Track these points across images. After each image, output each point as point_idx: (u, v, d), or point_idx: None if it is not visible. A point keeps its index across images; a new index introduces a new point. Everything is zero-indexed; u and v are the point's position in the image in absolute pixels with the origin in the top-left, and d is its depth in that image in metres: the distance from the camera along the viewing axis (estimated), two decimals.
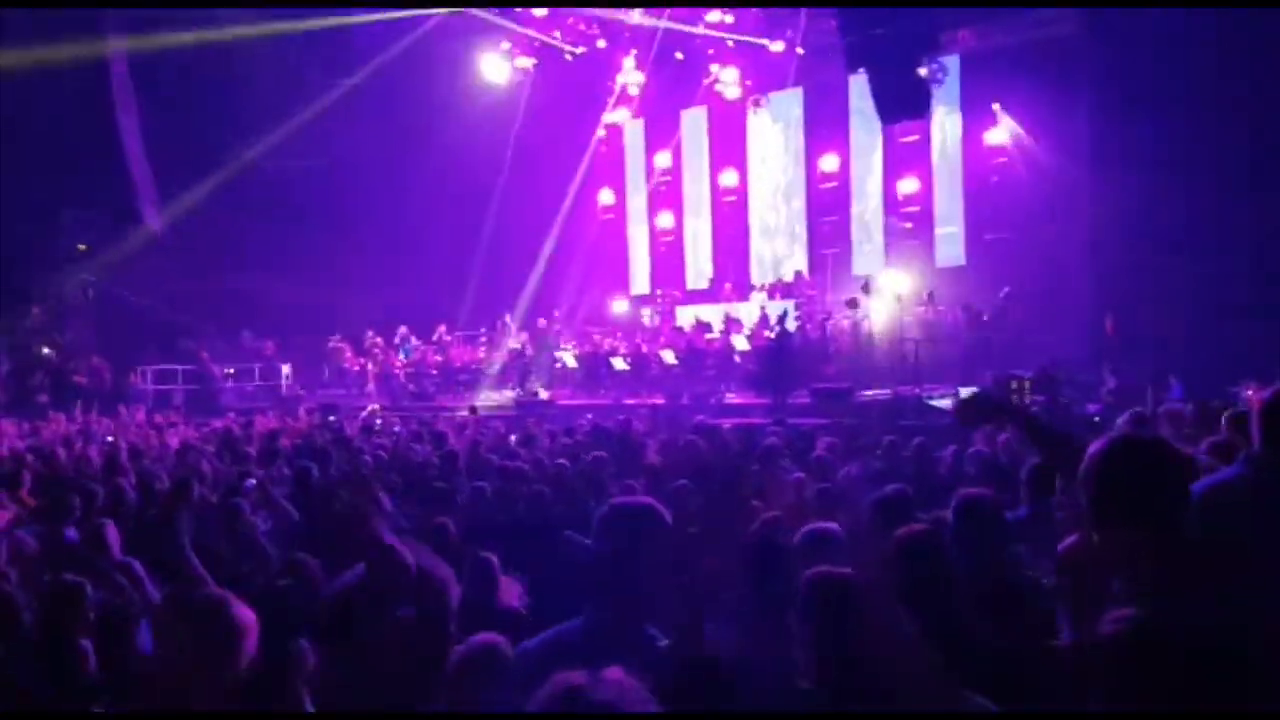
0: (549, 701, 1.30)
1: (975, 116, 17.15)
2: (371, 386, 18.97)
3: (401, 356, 19.04)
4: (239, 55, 17.40)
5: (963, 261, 17.38)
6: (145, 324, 19.18)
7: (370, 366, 19.20)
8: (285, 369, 20.47)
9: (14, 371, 19.12)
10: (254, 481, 7.55)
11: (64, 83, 16.76)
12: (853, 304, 15.69)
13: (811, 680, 2.16)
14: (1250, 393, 10.85)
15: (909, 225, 17.57)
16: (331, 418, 14.62)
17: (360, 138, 18.91)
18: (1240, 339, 12.41)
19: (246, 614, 2.49)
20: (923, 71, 11.60)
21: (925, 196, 17.96)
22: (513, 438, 10.49)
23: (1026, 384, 11.84)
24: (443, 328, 19.49)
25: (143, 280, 18.83)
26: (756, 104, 19.84)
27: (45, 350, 19.30)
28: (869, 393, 13.70)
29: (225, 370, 19.93)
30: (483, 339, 19.50)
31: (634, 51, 19.89)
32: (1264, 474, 2.68)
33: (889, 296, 15.76)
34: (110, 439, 11.66)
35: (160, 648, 3.54)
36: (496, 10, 18.88)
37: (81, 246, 19.72)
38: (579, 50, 19.96)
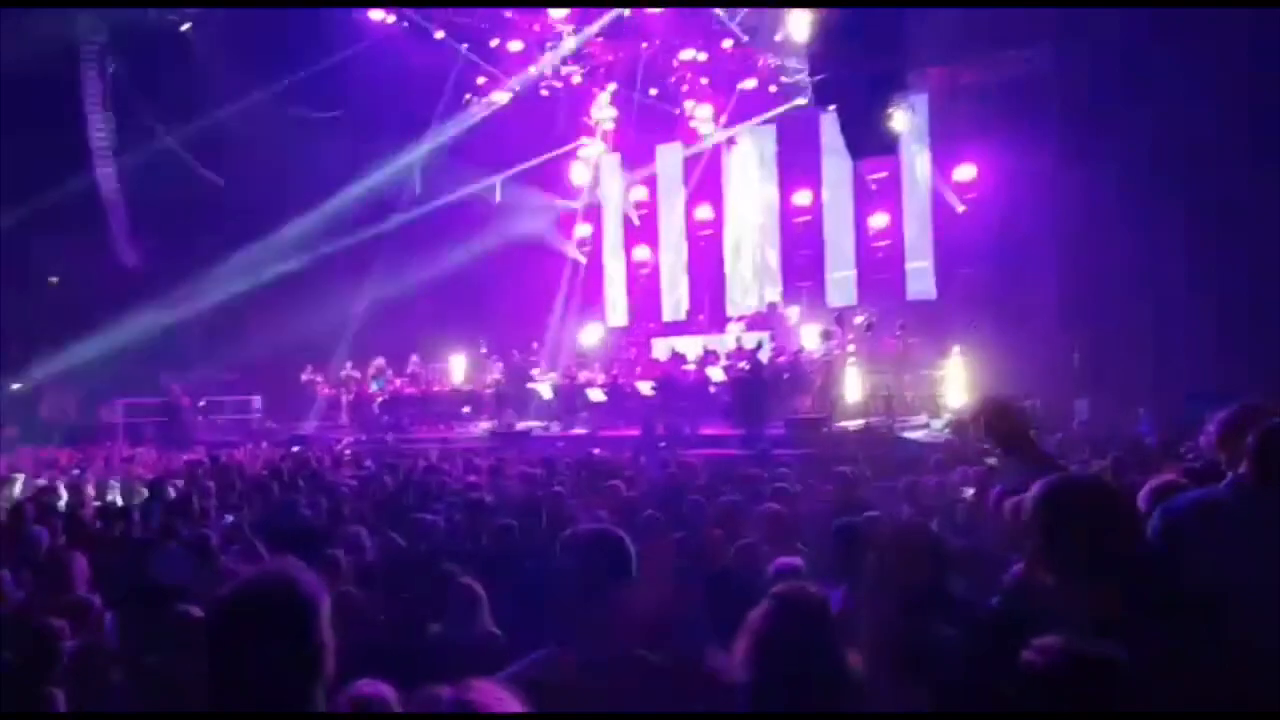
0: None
1: (944, 153, 17.45)
2: (346, 418, 18.87)
3: (374, 387, 18.93)
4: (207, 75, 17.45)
5: (933, 295, 17.60)
6: (115, 356, 19.00)
7: (345, 398, 19.10)
8: (256, 401, 20.36)
9: None
10: (231, 519, 7.55)
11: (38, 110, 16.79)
12: (826, 336, 15.82)
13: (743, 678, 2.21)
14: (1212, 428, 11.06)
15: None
16: (296, 449, 14.57)
17: (335, 166, 18.92)
18: (1210, 373, 12.61)
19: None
20: (892, 111, 11.80)
21: (895, 231, 18.22)
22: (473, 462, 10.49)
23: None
24: (415, 358, 19.44)
25: (112, 310, 18.69)
26: (730, 140, 20.10)
27: (16, 386, 19.08)
28: (842, 424, 13.80)
29: (198, 403, 19.79)
30: (458, 370, 19.47)
31: (610, 87, 20.12)
32: (1248, 503, 2.75)
33: (861, 329, 15.92)
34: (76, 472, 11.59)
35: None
36: (472, 46, 19.06)
37: (52, 280, 19.59)
38: (557, 85, 20.17)
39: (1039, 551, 2.20)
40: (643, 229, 21.58)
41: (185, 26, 17.30)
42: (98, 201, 18.46)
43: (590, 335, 20.90)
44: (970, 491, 6.97)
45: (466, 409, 18.53)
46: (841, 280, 18.94)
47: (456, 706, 1.31)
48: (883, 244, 18.32)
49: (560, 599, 2.39)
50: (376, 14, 18.01)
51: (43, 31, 15.38)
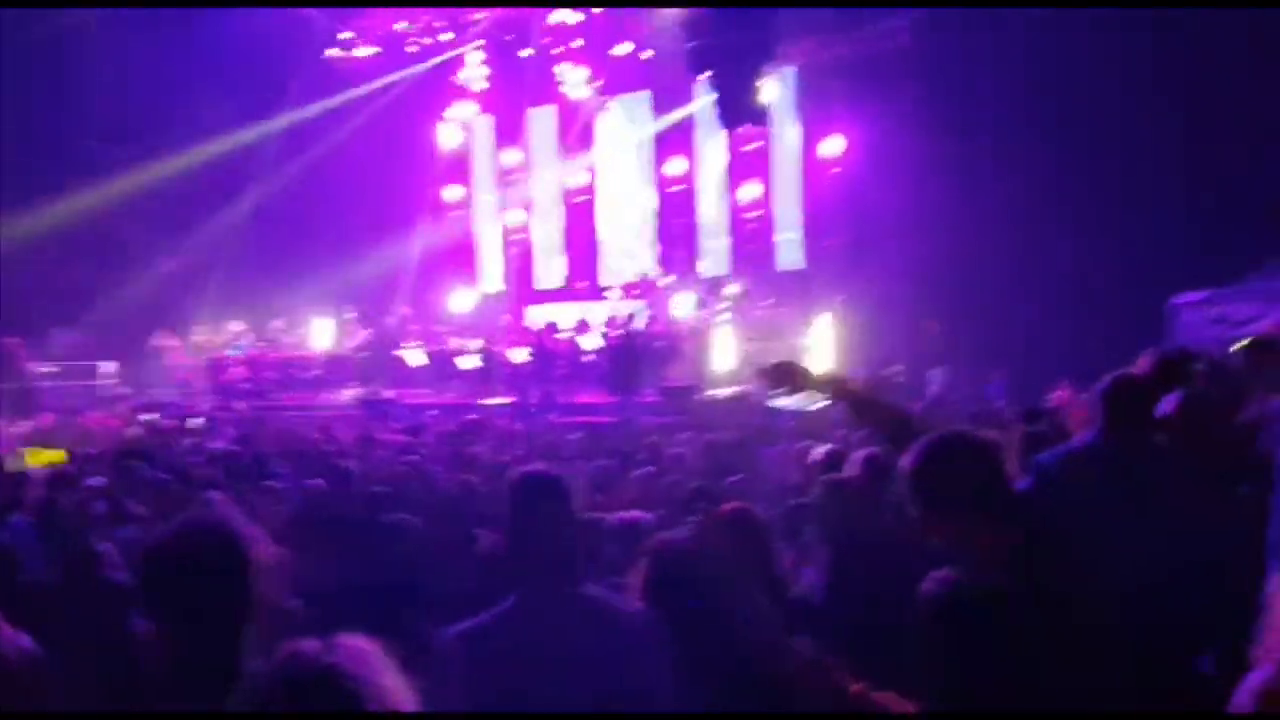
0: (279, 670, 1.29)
1: (812, 126, 17.76)
2: (202, 385, 18.06)
3: (232, 353, 18.17)
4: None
5: (803, 265, 18.00)
6: None
7: (201, 364, 18.27)
8: (108, 367, 19.22)
9: None
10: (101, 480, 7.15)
11: None
12: (699, 304, 16.02)
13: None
14: (1058, 394, 11.70)
15: None
16: (144, 417, 13.91)
17: (196, 121, 17.95)
18: (1061, 342, 13.27)
19: None
20: (762, 82, 11.96)
21: (767, 201, 18.51)
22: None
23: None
24: (278, 323, 18.74)
25: None
26: (603, 105, 19.97)
27: None
28: (714, 392, 14.01)
29: (41, 369, 18.52)
30: (322, 335, 18.86)
31: (480, 45, 19.70)
32: (1108, 447, 3.07)
33: (733, 297, 16.16)
34: None
35: None
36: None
37: None
38: (425, 41, 19.61)
39: (926, 509, 2.29)
40: (516, 193, 21.29)
41: None
42: None
43: (462, 301, 20.55)
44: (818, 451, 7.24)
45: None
46: (714, 250, 19.15)
47: (320, 670, 1.26)
48: (754, 215, 18.60)
49: (516, 545, 2.44)
50: None
51: None
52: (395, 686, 1.29)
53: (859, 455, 4.05)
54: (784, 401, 12.63)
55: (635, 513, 4.60)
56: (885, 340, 14.87)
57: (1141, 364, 3.84)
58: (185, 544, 1.83)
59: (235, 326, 18.49)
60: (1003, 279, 14.83)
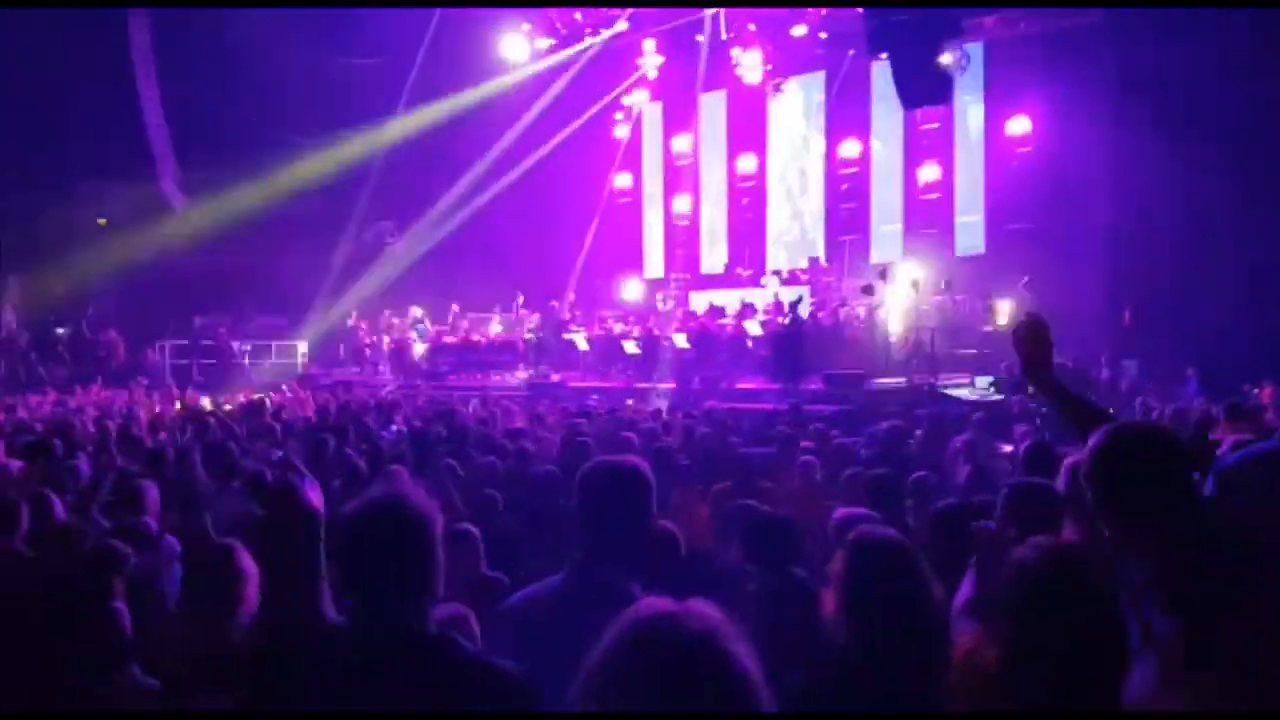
0: (636, 629, 1.23)
1: (998, 104, 16.97)
2: (386, 366, 19.02)
3: (414, 335, 19.05)
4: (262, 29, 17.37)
5: (982, 250, 17.24)
6: (165, 299, 19.25)
7: (386, 345, 19.24)
8: (301, 346, 20.55)
9: (33, 345, 19.27)
10: (280, 454, 7.66)
11: (83, 50, 16.84)
12: (869, 290, 15.58)
13: (845, 640, 2.22)
14: (1265, 391, 10.77)
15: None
16: (339, 394, 14.70)
17: (381, 113, 18.89)
18: (1261, 334, 12.27)
19: (249, 563, 2.82)
20: (946, 58, 11.46)
21: (946, 184, 17.80)
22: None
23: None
24: (456, 307, 19.50)
25: (162, 254, 18.91)
26: (777, 88, 19.67)
27: (60, 330, 19.39)
28: (883, 380, 13.62)
29: (242, 347, 19.99)
30: (496, 320, 19.50)
31: (655, 35, 19.78)
32: None
33: (906, 284, 15.65)
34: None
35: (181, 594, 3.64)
36: None
37: (101, 221, 19.78)
38: (601, 33, 19.86)
39: (1100, 499, 2.12)
40: (684, 179, 21.32)
41: None
42: (145, 143, 18.58)
43: (627, 287, 20.79)
44: (1008, 448, 6.87)
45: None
46: (887, 234, 18.59)
47: (696, 633, 1.24)
48: (932, 197, 17.91)
49: (579, 527, 2.42)
50: None
51: None
52: (749, 653, 1.25)
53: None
54: (962, 391, 12.17)
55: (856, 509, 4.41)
56: (1072, 330, 14.06)
57: None
58: (370, 518, 1.90)
59: (417, 311, 19.36)
60: (1198, 269, 13.80)
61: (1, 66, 16.63)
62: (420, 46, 18.67)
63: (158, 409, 12.31)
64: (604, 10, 19.53)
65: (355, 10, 17.91)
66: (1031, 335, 2.88)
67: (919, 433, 7.66)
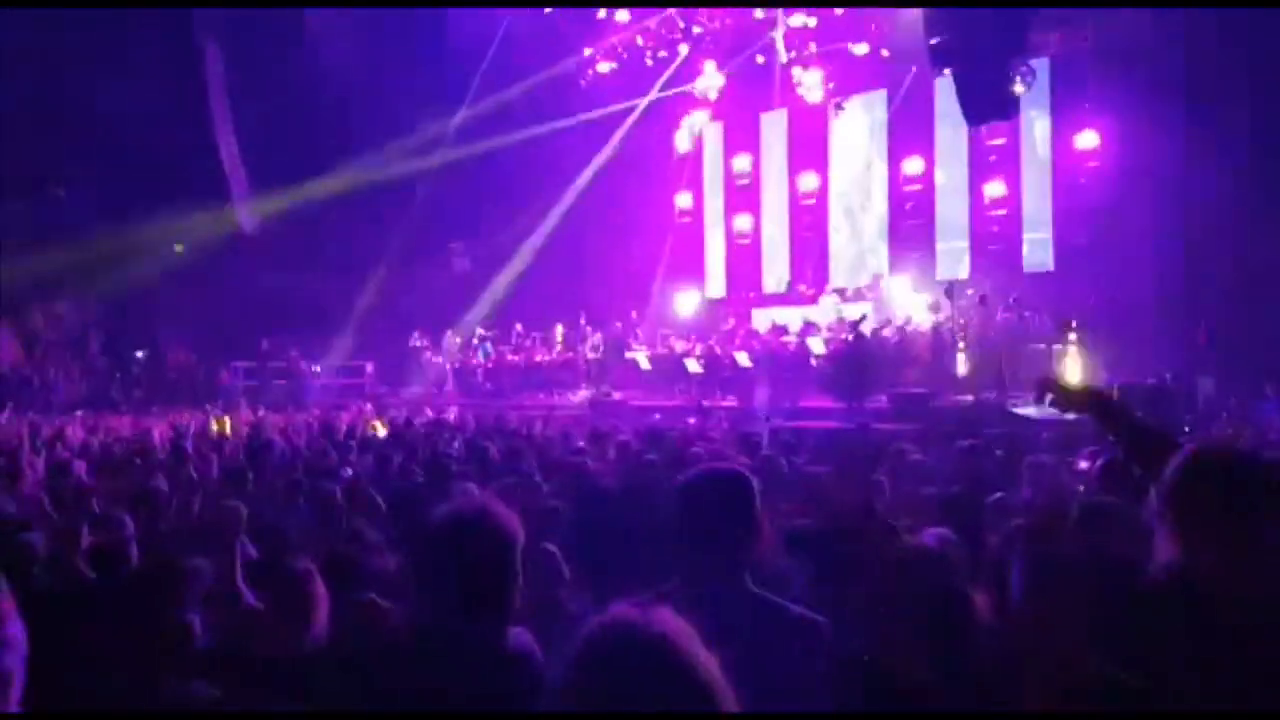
0: (601, 632, 1.29)
1: (1065, 120, 16.70)
2: (450, 385, 19.28)
3: (480, 356, 19.29)
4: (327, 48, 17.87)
5: (1051, 267, 16.93)
6: (238, 321, 19.79)
7: (449, 365, 19.51)
8: (367, 366, 20.95)
9: (111, 368, 19.93)
10: (350, 471, 7.82)
11: (160, 82, 17.46)
12: (934, 308, 15.39)
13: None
14: None
15: None
16: (403, 412, 14.93)
17: (450, 139, 19.28)
18: None
19: (321, 588, 2.90)
20: (1013, 75, 11.30)
21: (1013, 200, 17.54)
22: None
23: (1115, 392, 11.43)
24: (519, 327, 19.70)
25: (235, 278, 19.49)
26: (838, 107, 19.61)
27: (138, 353, 20.02)
28: (949, 398, 13.42)
29: (313, 367, 20.44)
30: (558, 339, 19.67)
31: (715, 56, 19.88)
32: None
33: (972, 301, 15.42)
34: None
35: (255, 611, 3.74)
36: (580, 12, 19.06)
37: (178, 247, 20.43)
38: (661, 54, 20.02)
39: (1181, 520, 2.08)
40: (744, 198, 21.32)
41: None
42: (219, 170, 19.18)
43: (689, 305, 20.81)
44: (1084, 464, 6.69)
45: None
46: (952, 251, 18.35)
47: (653, 637, 1.30)
48: (998, 214, 17.65)
49: (681, 538, 2.39)
50: None
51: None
52: (709, 659, 1.32)
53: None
54: (1030, 410, 11.93)
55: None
56: (1144, 346, 13.73)
57: None
58: (458, 529, 1.96)
59: (481, 330, 19.61)
60: (1274, 284, 13.38)
61: (80, 97, 17.34)
62: (479, 68, 18.98)
63: (229, 429, 12.62)
64: (664, 34, 19.70)
65: (419, 36, 18.31)
66: (1040, 389, 2.91)
67: (999, 452, 7.50)
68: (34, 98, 17.17)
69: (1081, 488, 5.56)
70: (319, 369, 20.58)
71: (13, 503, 6.24)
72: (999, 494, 4.94)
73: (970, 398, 13.26)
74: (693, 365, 16.63)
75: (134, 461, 8.10)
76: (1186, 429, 10.09)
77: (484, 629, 1.91)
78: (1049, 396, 2.90)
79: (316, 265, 19.62)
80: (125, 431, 12.76)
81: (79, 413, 15.66)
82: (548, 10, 18.83)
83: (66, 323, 20.12)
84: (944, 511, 4.32)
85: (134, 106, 17.45)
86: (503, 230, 20.67)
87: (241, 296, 19.52)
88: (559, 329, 19.70)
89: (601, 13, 19.16)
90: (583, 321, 19.38)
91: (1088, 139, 16.37)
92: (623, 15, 19.20)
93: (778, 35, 18.63)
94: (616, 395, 16.63)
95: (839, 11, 17.90)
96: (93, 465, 8.40)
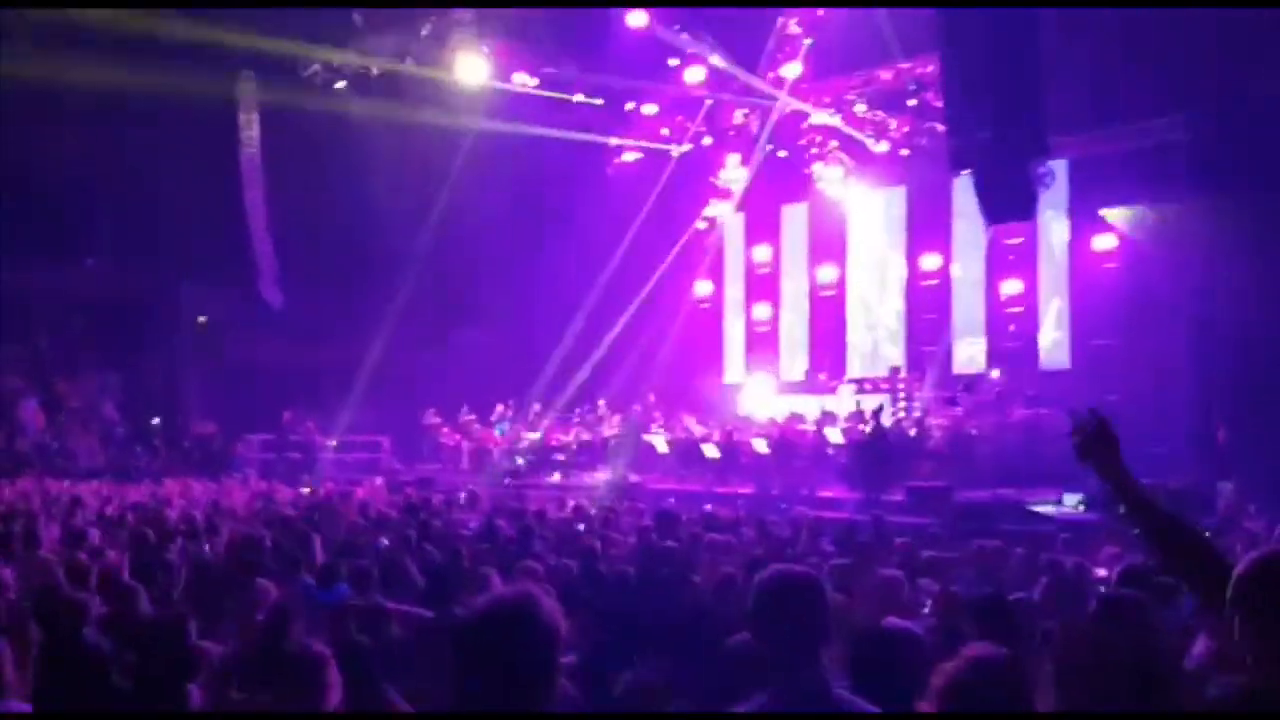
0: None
1: (1083, 220, 16.91)
2: (466, 463, 19.27)
3: (497, 433, 19.33)
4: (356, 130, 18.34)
5: (1067, 365, 16.96)
6: (255, 393, 19.94)
7: (466, 443, 19.53)
8: (383, 441, 20.99)
9: (130, 436, 20.06)
10: (385, 542, 7.87)
11: (191, 158, 17.96)
12: (953, 402, 15.40)
13: None
14: None
15: None
16: (417, 490, 14.92)
17: (472, 220, 19.66)
18: None
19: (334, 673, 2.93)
20: (1031, 176, 11.49)
21: (1029, 298, 17.67)
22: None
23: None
24: (537, 407, 19.77)
25: (255, 350, 19.74)
26: (857, 202, 19.96)
27: (155, 421, 20.17)
28: (967, 494, 13.32)
29: (329, 441, 20.49)
30: (577, 420, 19.70)
31: (738, 149, 20.36)
32: None
33: (990, 397, 15.43)
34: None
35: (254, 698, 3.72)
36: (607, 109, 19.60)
37: (200, 319, 20.75)
38: (685, 148, 20.50)
39: (1246, 626, 2.07)
40: (764, 288, 21.55)
41: (339, 85, 18.21)
42: (248, 246, 19.64)
43: (707, 391, 20.88)
44: (1103, 572, 6.61)
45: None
46: (968, 346, 18.44)
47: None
48: (1016, 310, 17.79)
49: (771, 650, 2.46)
50: (519, 78, 18.60)
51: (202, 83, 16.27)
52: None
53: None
54: (1048, 508, 11.83)
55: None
56: (1164, 447, 13.63)
57: None
58: (501, 618, 1.97)
59: (499, 408, 19.68)
60: None
61: (110, 171, 17.84)
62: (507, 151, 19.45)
63: (240, 502, 12.64)
64: (687, 126, 20.21)
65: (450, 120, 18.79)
66: (1100, 438, 2.79)
67: (1019, 550, 7.44)
68: (64, 165, 17.64)
69: (1102, 589, 5.52)
70: (335, 443, 20.64)
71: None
72: (1019, 594, 4.91)
73: (989, 494, 13.15)
74: (710, 450, 16.61)
75: (145, 532, 8.10)
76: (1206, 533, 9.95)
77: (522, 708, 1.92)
78: (1080, 429, 2.78)
79: (337, 339, 19.86)
80: (141, 499, 12.79)
81: (96, 481, 15.74)
82: (577, 99, 19.31)
83: (88, 391, 20.33)
84: (980, 612, 4.23)
85: (165, 184, 17.91)
86: (524, 310, 20.92)
87: (263, 368, 19.72)
88: (577, 413, 19.76)
89: (630, 105, 19.66)
90: (601, 403, 19.44)
91: (1105, 240, 16.55)
92: (650, 109, 19.71)
93: (801, 130, 19.06)
94: (634, 478, 16.58)
95: (860, 110, 18.33)
96: (107, 533, 8.45)
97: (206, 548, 8.10)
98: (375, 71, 17.85)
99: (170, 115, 16.51)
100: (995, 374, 15.59)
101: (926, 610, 5.71)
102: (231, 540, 7.97)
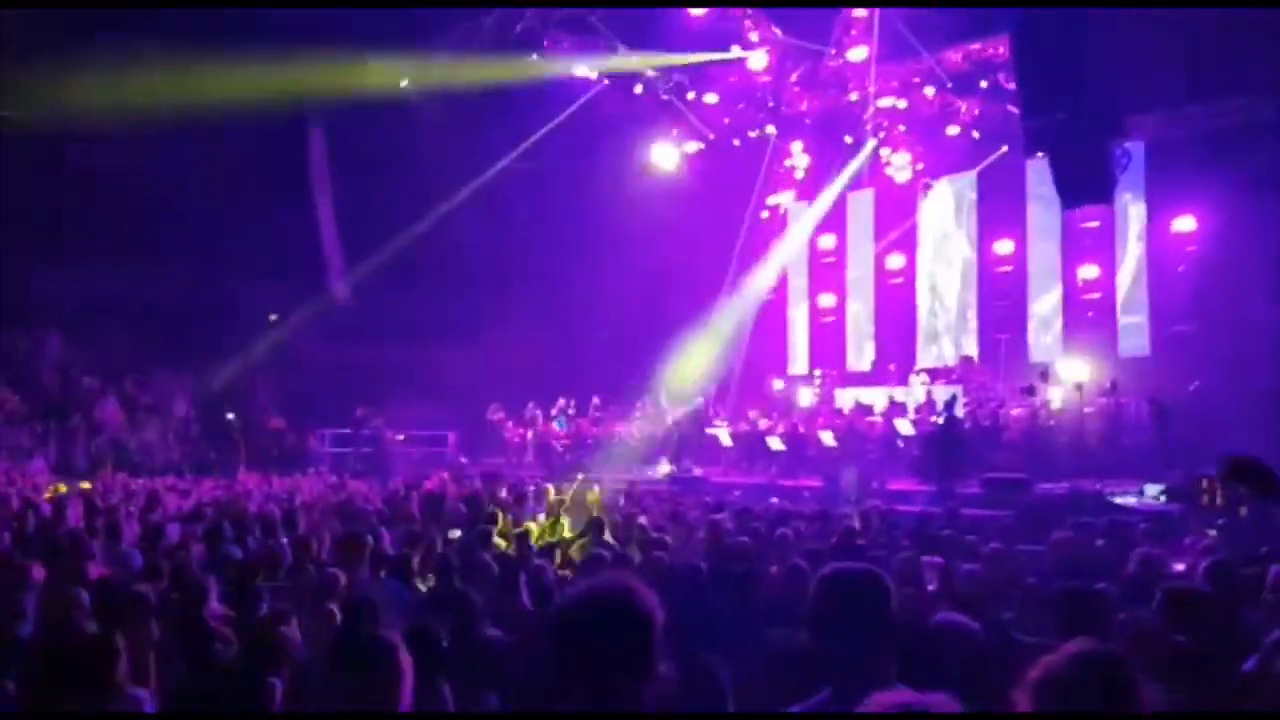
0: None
1: (1162, 203, 16.35)
2: (530, 456, 19.35)
3: (557, 427, 19.36)
4: (420, 125, 18.50)
5: (1148, 352, 16.41)
6: (327, 390, 20.27)
7: (530, 437, 19.60)
8: (450, 436, 21.18)
9: (205, 433, 20.53)
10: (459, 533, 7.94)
11: (263, 161, 18.29)
12: (1030, 391, 15.01)
13: None
14: None
15: None
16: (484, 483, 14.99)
17: (530, 214, 19.72)
18: None
19: (407, 659, 2.78)
20: (1109, 158, 11.09)
21: (1107, 283, 17.13)
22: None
23: (1216, 484, 10.92)
24: (597, 400, 19.75)
25: (325, 347, 20.06)
26: (927, 188, 19.55)
27: (230, 416, 20.58)
28: (1045, 485, 12.95)
29: (398, 436, 20.72)
30: (638, 413, 19.62)
31: (802, 137, 20.07)
32: None
33: (1068, 385, 15.00)
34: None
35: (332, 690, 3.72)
36: (670, 96, 19.44)
37: (272, 317, 21.11)
38: (751, 134, 20.26)
39: None
40: (829, 277, 21.24)
41: (404, 83, 18.36)
42: (317, 245, 19.95)
43: (773, 383, 20.65)
44: (1181, 566, 6.34)
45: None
46: (1044, 334, 17.96)
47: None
48: (1092, 296, 17.26)
49: (825, 646, 2.38)
50: (581, 70, 18.56)
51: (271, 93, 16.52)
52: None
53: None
54: (1129, 499, 11.45)
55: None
56: (1245, 435, 13.10)
57: None
58: (598, 605, 1.94)
59: (560, 402, 19.72)
60: None
61: (185, 174, 18.25)
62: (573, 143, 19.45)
63: (312, 496, 12.82)
64: (751, 114, 19.96)
65: (512, 114, 18.85)
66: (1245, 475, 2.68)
67: (1100, 543, 7.20)
68: (133, 168, 18.11)
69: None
70: (403, 437, 20.86)
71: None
72: (1101, 585, 4.73)
73: (1068, 485, 12.78)
74: (775, 443, 16.43)
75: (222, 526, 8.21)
76: None
77: (618, 703, 1.88)
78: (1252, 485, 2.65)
79: (404, 335, 20.09)
80: (217, 495, 13.04)
81: (172, 476, 16.12)
82: (638, 90, 19.22)
83: (163, 389, 20.84)
84: (1065, 605, 4.06)
85: (242, 185, 18.29)
86: (584, 303, 20.92)
87: (330, 366, 20.03)
88: (639, 406, 19.69)
89: (691, 95, 19.49)
90: (662, 395, 19.34)
91: (1185, 223, 15.99)
92: (711, 98, 19.50)
93: (869, 113, 18.69)
94: (697, 471, 16.48)
95: (929, 93, 17.91)
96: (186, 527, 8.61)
97: (284, 540, 8.19)
98: (437, 72, 17.94)
99: (239, 123, 16.80)
100: (1066, 375, 15.11)
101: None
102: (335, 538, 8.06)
